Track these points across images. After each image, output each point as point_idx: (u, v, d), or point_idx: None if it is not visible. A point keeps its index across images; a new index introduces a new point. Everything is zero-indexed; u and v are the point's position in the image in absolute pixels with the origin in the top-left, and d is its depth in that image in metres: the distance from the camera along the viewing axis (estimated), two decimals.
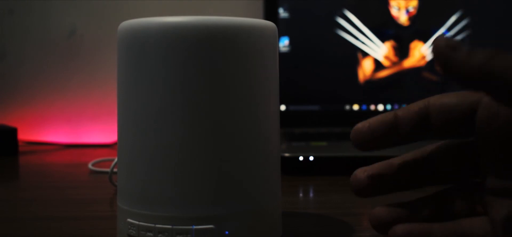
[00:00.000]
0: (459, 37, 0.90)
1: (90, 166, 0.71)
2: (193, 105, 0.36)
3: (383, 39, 0.90)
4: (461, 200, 0.36)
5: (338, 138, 0.82)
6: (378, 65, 0.90)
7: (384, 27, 0.90)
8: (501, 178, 0.33)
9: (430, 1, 0.90)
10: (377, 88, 0.90)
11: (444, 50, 0.30)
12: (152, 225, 0.37)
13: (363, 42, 0.89)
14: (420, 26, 0.90)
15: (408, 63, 0.90)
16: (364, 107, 0.90)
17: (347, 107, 0.90)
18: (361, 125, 0.37)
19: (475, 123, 0.34)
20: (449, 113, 0.35)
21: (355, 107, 0.90)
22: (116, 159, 0.53)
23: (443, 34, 0.35)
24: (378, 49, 0.90)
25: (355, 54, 0.90)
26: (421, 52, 0.90)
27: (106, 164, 0.73)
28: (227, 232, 0.37)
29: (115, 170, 0.58)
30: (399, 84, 0.90)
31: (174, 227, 0.37)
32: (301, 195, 0.58)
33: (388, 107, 0.90)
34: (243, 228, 0.38)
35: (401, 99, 0.90)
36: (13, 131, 0.84)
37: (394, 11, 0.90)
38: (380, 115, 0.37)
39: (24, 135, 0.95)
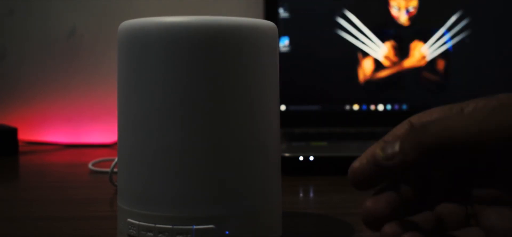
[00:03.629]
0: (458, 38, 0.90)
1: (90, 166, 0.71)
2: (193, 105, 0.36)
3: (383, 39, 0.90)
4: (455, 212, 0.35)
5: (338, 138, 0.82)
6: (378, 65, 0.90)
7: (384, 27, 0.90)
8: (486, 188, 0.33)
9: (430, 1, 0.90)
10: (377, 88, 0.90)
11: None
12: (152, 225, 0.37)
13: (363, 42, 0.89)
14: (420, 26, 0.90)
15: (408, 63, 0.90)
16: (364, 107, 0.90)
17: (347, 107, 0.90)
18: (354, 166, 0.35)
19: None
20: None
21: (355, 107, 0.90)
22: (116, 159, 0.53)
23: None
24: (378, 49, 0.90)
25: (355, 54, 0.90)
26: (421, 52, 0.90)
27: (106, 164, 0.73)
28: (227, 232, 0.37)
29: (115, 170, 0.58)
30: (399, 84, 0.90)
31: (174, 227, 0.37)
32: (301, 195, 0.58)
33: (388, 107, 0.90)
34: (243, 228, 0.38)
35: (401, 99, 0.90)
36: (13, 131, 0.84)
37: (394, 11, 0.90)
38: (371, 149, 0.35)
39: (24, 135, 0.95)
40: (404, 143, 0.32)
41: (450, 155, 0.31)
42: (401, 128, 0.36)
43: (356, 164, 0.35)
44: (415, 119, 0.36)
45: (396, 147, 0.32)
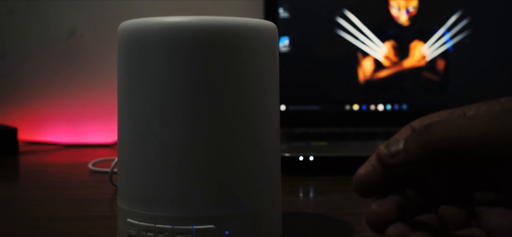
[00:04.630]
0: (458, 38, 0.90)
1: (90, 166, 0.71)
2: (193, 105, 0.36)
3: (383, 39, 0.90)
4: (457, 213, 0.36)
5: (338, 138, 0.82)
6: (378, 65, 0.90)
7: (384, 27, 0.90)
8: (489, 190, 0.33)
9: (430, 1, 0.90)
10: (377, 88, 0.90)
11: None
12: (152, 225, 0.37)
13: (363, 42, 0.89)
14: (420, 26, 0.90)
15: (408, 63, 0.90)
16: (364, 107, 0.90)
17: (347, 107, 0.90)
18: (359, 172, 0.35)
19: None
20: None
21: (355, 107, 0.90)
22: (116, 159, 0.53)
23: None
24: (378, 49, 0.90)
25: (355, 54, 0.90)
26: (421, 52, 0.90)
27: (106, 164, 0.73)
28: (227, 232, 0.37)
29: (115, 170, 0.58)
30: (399, 84, 0.90)
31: (174, 227, 0.37)
32: (301, 195, 0.58)
33: (388, 107, 0.90)
34: (243, 228, 0.38)
35: (401, 99, 0.90)
36: (13, 131, 0.84)
37: (394, 11, 0.90)
38: (375, 155, 0.35)
39: (24, 135, 0.95)
40: (408, 141, 0.32)
41: (453, 156, 0.31)
42: (403, 134, 0.36)
43: (361, 171, 0.35)
44: (416, 124, 0.36)
45: (400, 145, 0.32)
